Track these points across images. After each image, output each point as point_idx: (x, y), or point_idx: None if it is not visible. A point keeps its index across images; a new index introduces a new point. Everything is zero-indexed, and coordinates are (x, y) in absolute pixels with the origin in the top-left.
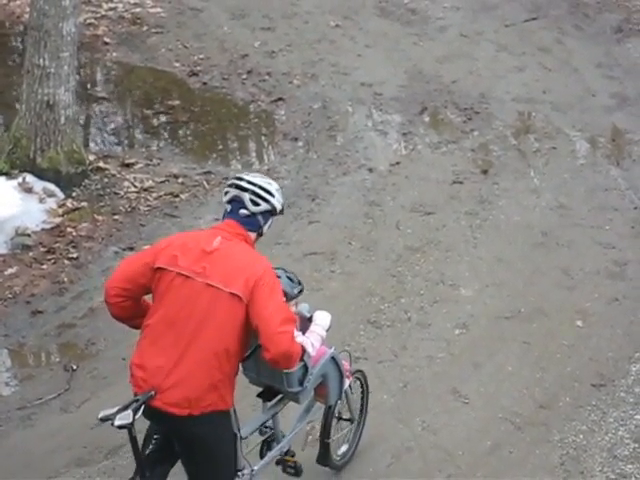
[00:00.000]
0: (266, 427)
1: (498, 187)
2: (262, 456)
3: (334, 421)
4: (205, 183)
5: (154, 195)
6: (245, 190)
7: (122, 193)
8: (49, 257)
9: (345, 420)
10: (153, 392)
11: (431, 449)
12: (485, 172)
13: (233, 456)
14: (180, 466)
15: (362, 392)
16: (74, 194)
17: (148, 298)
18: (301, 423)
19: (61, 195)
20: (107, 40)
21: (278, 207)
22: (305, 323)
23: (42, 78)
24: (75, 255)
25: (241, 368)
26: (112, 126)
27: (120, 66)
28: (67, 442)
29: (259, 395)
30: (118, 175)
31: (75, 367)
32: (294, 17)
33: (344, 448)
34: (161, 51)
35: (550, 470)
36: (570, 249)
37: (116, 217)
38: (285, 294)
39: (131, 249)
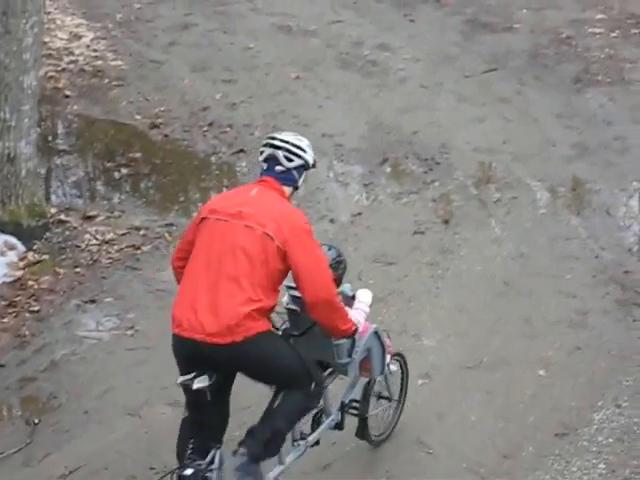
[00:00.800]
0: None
1: (459, 237)
2: (313, 429)
3: (374, 398)
4: (167, 235)
5: (116, 247)
6: (279, 148)
7: (83, 246)
8: (10, 310)
9: (384, 398)
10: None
11: None
12: (446, 222)
13: (300, 364)
14: None
15: (402, 374)
16: (35, 247)
17: None
18: (347, 398)
19: (22, 248)
20: (68, 93)
21: (310, 161)
22: (349, 301)
23: (3, 131)
24: (37, 308)
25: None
26: (73, 179)
27: (81, 119)
28: None
29: None
30: (79, 228)
31: (37, 421)
32: (255, 69)
33: (383, 426)
34: (122, 104)
35: None
36: (531, 298)
37: (78, 270)
38: None
39: (93, 302)
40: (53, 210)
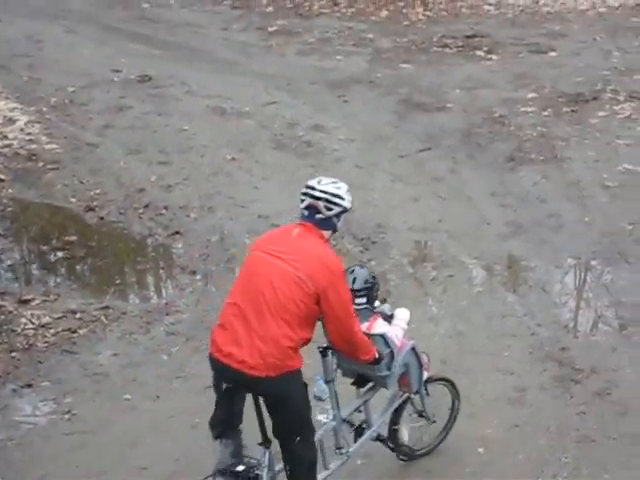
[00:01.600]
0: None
1: None
2: (355, 440)
3: (411, 413)
4: (103, 318)
5: (52, 331)
6: (319, 199)
7: (19, 330)
8: None
9: (423, 417)
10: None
11: None
12: (384, 301)
13: (308, 405)
14: None
15: (452, 400)
16: None
17: None
18: (387, 412)
19: None
20: (2, 177)
21: (349, 207)
22: (388, 319)
23: None
24: None
25: (336, 361)
26: (8, 262)
27: (16, 202)
28: None
29: (353, 383)
30: (15, 312)
31: None
32: (190, 151)
33: (421, 443)
34: (57, 187)
35: None
36: (469, 376)
37: (13, 354)
38: (352, 290)
39: (29, 386)
40: None
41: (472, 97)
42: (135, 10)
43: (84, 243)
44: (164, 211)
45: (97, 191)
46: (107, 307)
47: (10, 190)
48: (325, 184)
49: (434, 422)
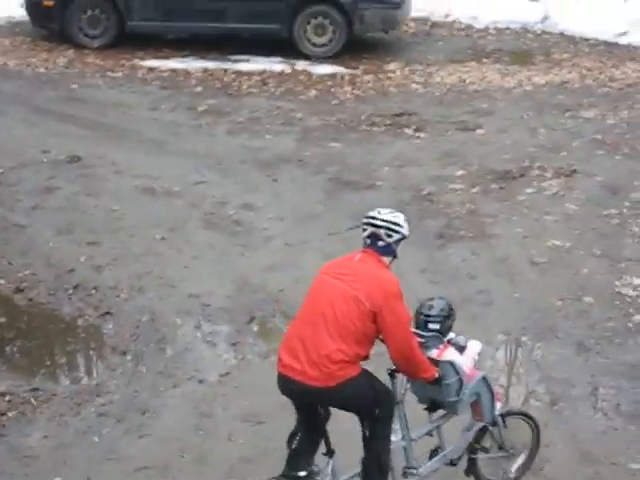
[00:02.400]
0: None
1: None
2: (429, 459)
3: (491, 445)
4: (33, 400)
5: None
6: (380, 227)
7: None
8: None
9: (502, 449)
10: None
11: None
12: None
13: (374, 394)
14: None
15: (532, 434)
16: None
17: None
18: (462, 439)
19: None
20: None
21: (407, 234)
22: (460, 350)
23: None
24: None
25: (410, 387)
26: None
27: None
28: None
29: (426, 409)
30: None
31: None
32: (119, 231)
33: (499, 475)
34: None
35: None
36: None
37: None
38: (427, 315)
39: None
40: None
41: (401, 175)
42: (64, 91)
43: (13, 325)
44: (94, 291)
45: (26, 272)
46: (37, 389)
47: None
48: (385, 214)
49: (513, 455)
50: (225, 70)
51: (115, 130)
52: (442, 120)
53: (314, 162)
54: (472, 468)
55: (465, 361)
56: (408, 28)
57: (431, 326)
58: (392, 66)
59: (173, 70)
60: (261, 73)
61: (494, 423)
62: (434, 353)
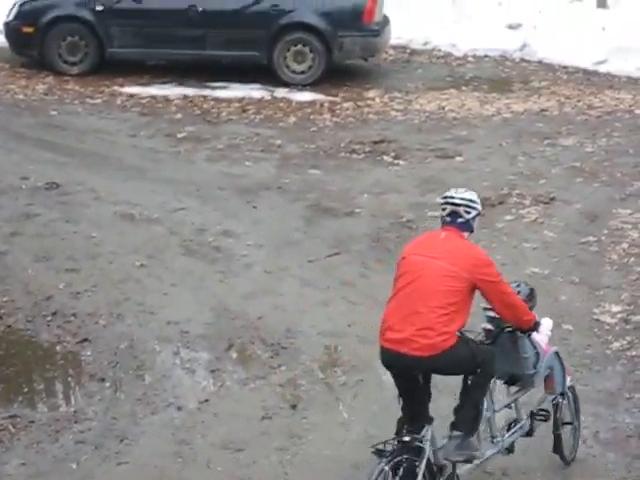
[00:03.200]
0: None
1: (307, 421)
2: (507, 431)
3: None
4: (11, 427)
5: None
6: (459, 205)
7: None
8: None
9: (568, 424)
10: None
11: None
12: (294, 407)
13: (474, 359)
14: None
15: (574, 402)
16: None
17: None
18: (535, 408)
19: None
20: None
21: (481, 210)
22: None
23: None
24: None
25: None
26: None
27: None
28: None
29: (505, 382)
30: None
31: None
32: (98, 257)
33: (568, 448)
34: None
35: None
36: None
37: None
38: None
39: None
40: None
41: (380, 202)
42: (43, 117)
43: None
44: (72, 318)
45: (4, 299)
46: (15, 416)
47: None
48: (461, 193)
49: (575, 428)
50: (204, 97)
51: (94, 157)
52: (421, 147)
53: (293, 189)
54: (559, 444)
55: (541, 337)
56: (387, 56)
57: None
58: (371, 93)
59: (152, 97)
60: (240, 100)
61: (563, 396)
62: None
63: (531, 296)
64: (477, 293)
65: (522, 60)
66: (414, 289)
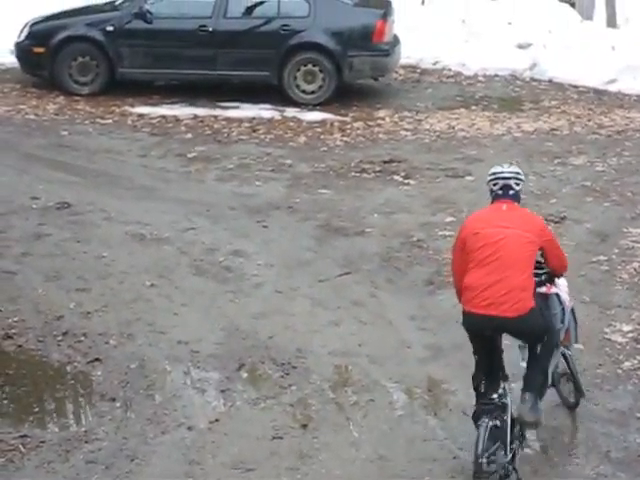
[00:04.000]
0: None
1: (318, 441)
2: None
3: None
4: (21, 447)
5: None
6: (510, 178)
7: None
8: None
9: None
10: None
11: None
12: (304, 426)
13: (545, 322)
14: None
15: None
16: None
17: None
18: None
19: None
20: None
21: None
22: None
23: None
24: None
25: None
26: None
27: None
28: None
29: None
30: None
31: None
32: (109, 277)
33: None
34: None
35: None
36: None
37: None
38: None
39: None
40: None
41: (390, 221)
42: (54, 138)
43: (2, 371)
44: (83, 338)
45: (15, 319)
46: (25, 436)
47: None
48: (508, 167)
49: (577, 380)
50: (215, 117)
51: (105, 177)
52: (431, 167)
53: (304, 209)
54: (579, 386)
55: (564, 294)
56: (397, 75)
57: (540, 272)
58: (381, 113)
59: (163, 117)
60: (251, 120)
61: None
62: (543, 289)
63: None
64: None
65: (532, 79)
66: (499, 257)
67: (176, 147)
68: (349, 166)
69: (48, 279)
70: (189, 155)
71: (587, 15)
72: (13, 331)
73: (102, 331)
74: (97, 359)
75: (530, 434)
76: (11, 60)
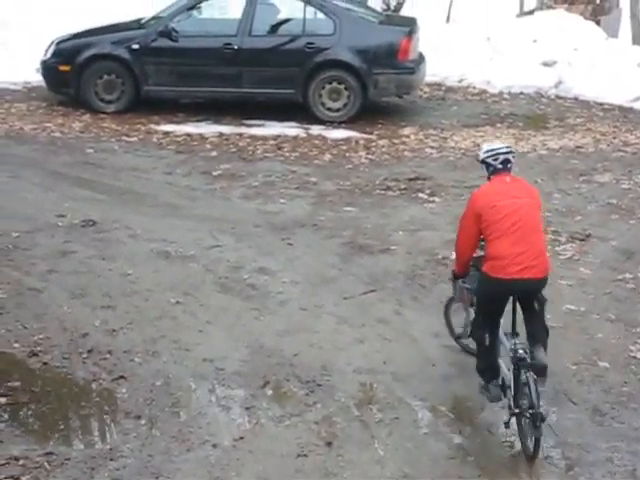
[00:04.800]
0: None
1: (342, 459)
2: None
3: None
4: (47, 464)
5: None
6: (509, 153)
7: None
8: None
9: None
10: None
11: None
12: (329, 444)
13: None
14: None
15: None
16: None
17: None
18: None
19: None
20: None
21: None
22: None
23: None
24: None
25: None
26: None
27: None
28: None
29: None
30: None
31: None
32: (134, 295)
33: None
34: (0, 332)
35: None
36: None
37: None
38: None
39: None
40: None
41: (415, 239)
42: (79, 155)
43: (27, 389)
44: (108, 355)
45: (41, 336)
46: (51, 453)
47: None
48: (500, 144)
49: None
50: (240, 134)
51: (130, 194)
52: (456, 185)
53: (329, 226)
54: None
55: None
56: (422, 93)
57: None
58: (406, 131)
59: (188, 134)
60: (276, 137)
61: None
62: None
63: None
64: None
65: (557, 97)
66: (522, 225)
67: (201, 165)
68: (374, 184)
69: (73, 296)
70: (214, 173)
71: (612, 33)
72: (39, 348)
73: (127, 348)
74: (122, 376)
75: (555, 451)
76: (37, 78)
